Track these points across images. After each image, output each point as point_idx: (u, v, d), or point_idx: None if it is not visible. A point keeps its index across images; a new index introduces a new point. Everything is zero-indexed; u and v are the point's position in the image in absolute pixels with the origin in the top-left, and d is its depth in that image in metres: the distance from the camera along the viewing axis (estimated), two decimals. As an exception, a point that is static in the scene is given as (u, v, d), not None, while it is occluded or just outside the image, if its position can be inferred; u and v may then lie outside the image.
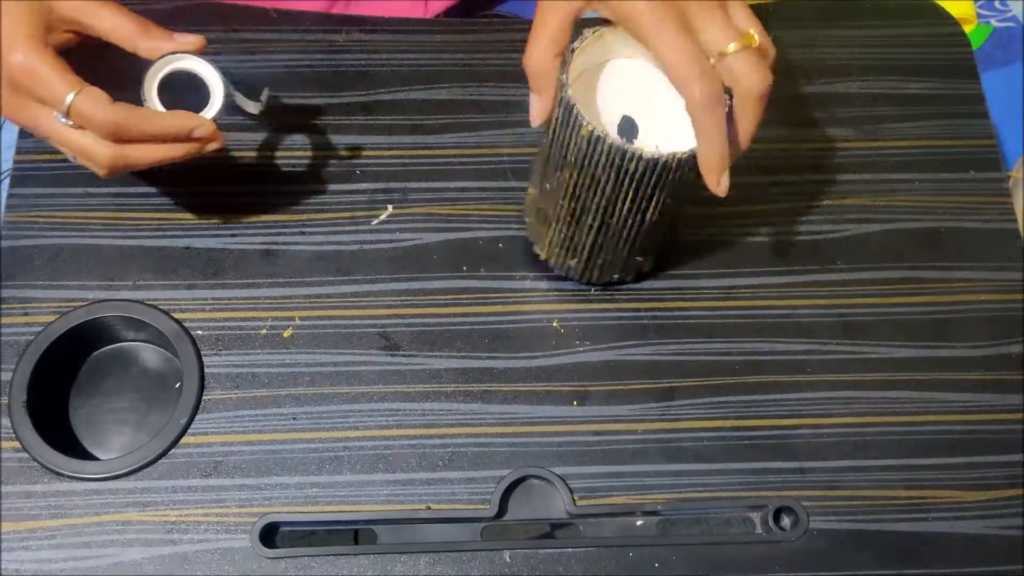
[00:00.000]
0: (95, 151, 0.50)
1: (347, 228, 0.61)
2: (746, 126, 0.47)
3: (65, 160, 0.61)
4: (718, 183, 0.47)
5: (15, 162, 0.62)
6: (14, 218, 0.60)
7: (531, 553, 0.53)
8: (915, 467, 0.56)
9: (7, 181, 0.61)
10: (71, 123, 0.49)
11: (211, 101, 0.53)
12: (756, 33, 0.46)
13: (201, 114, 0.52)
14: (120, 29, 0.51)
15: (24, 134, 0.62)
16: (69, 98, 0.48)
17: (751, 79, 0.45)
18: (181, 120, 0.51)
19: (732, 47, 0.44)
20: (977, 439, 0.57)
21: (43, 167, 0.61)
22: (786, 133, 0.65)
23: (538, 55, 0.48)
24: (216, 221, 0.60)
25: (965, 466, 0.56)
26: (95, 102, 0.49)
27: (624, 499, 0.54)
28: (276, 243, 0.60)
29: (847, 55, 0.68)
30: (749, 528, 0.55)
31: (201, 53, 0.52)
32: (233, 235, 0.60)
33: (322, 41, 0.65)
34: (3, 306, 0.57)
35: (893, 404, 0.57)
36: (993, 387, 0.58)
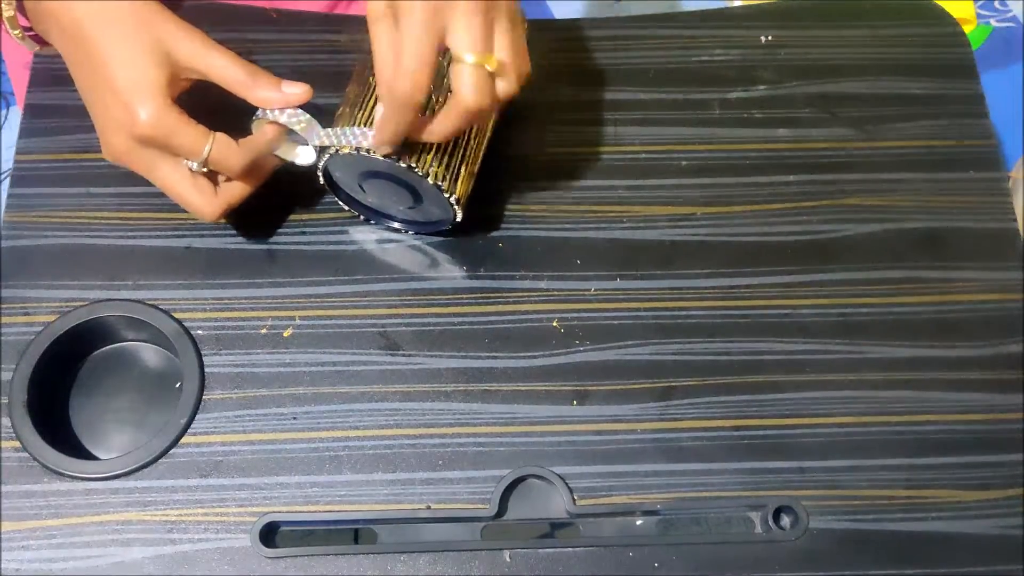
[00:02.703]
0: (205, 211, 0.54)
1: (347, 228, 0.61)
2: (442, 126, 0.49)
3: (65, 160, 0.61)
4: (380, 145, 0.50)
5: (15, 162, 0.62)
6: (14, 218, 0.60)
7: (531, 553, 0.53)
8: (915, 467, 0.56)
9: (7, 181, 0.62)
10: (204, 170, 0.53)
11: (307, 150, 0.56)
12: (505, 57, 0.47)
13: (305, 152, 0.56)
14: (231, 75, 0.52)
15: (24, 134, 0.62)
16: (207, 150, 0.51)
17: (467, 94, 0.47)
18: (270, 162, 0.56)
19: (468, 58, 0.46)
20: (977, 439, 0.57)
21: (43, 167, 0.61)
22: (786, 133, 0.65)
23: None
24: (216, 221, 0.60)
25: (965, 466, 0.56)
26: (229, 148, 0.52)
27: (624, 499, 0.54)
28: (276, 243, 0.60)
29: (847, 55, 0.68)
30: (749, 528, 0.55)
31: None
32: (233, 235, 0.60)
33: (323, 41, 0.66)
34: (3, 306, 0.57)
35: (893, 404, 0.57)
36: (993, 387, 0.58)
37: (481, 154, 0.57)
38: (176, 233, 0.60)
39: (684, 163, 0.64)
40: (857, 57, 0.68)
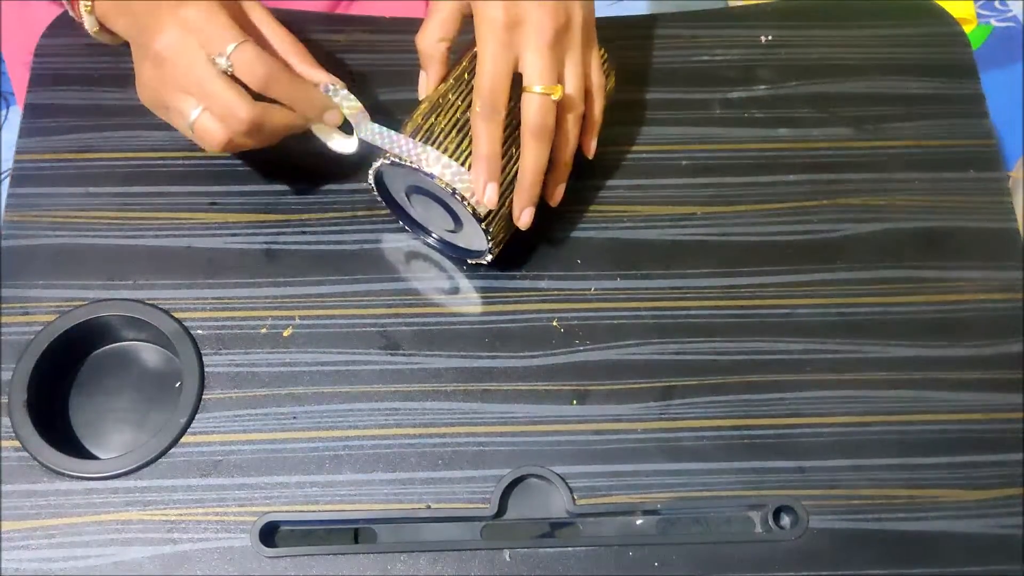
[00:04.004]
0: (239, 105, 0.52)
1: (347, 228, 0.61)
2: (525, 159, 0.53)
3: (65, 160, 0.61)
4: (483, 191, 0.52)
5: (15, 162, 0.62)
6: (14, 218, 0.60)
7: (531, 553, 0.53)
8: (915, 467, 0.56)
9: (7, 181, 0.62)
10: (230, 68, 0.52)
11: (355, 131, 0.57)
12: (572, 88, 0.53)
13: (346, 141, 0.57)
14: (278, 34, 0.56)
15: (24, 134, 0.62)
16: (233, 45, 0.51)
17: (530, 120, 0.52)
18: (321, 98, 0.56)
19: (537, 88, 0.51)
20: (977, 439, 0.56)
21: (43, 167, 0.61)
22: (786, 133, 0.65)
23: (428, 38, 0.55)
24: (216, 221, 0.60)
25: (965, 466, 0.56)
26: (258, 50, 0.52)
27: (624, 498, 0.54)
28: (276, 243, 0.60)
29: (847, 55, 0.68)
30: (749, 527, 0.55)
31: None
32: (233, 235, 0.60)
33: (324, 41, 0.65)
34: (3, 306, 0.57)
35: (893, 404, 0.57)
36: (993, 387, 0.58)
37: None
38: (176, 233, 0.60)
39: (684, 163, 0.64)
40: (857, 57, 0.68)
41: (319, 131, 0.57)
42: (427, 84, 0.57)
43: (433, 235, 0.59)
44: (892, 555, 0.53)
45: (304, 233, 0.60)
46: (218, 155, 0.62)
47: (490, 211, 0.54)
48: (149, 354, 0.58)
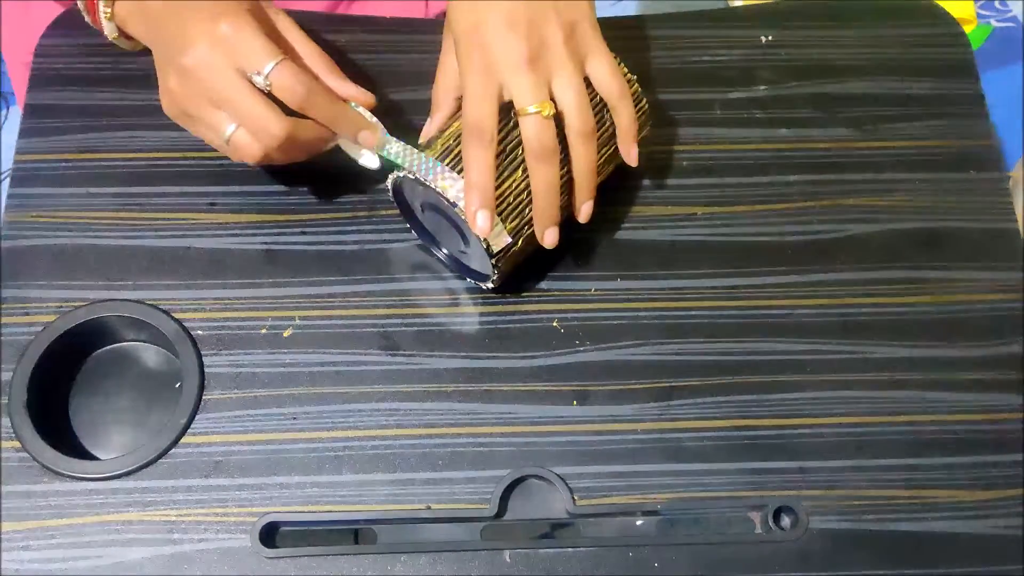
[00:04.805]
0: (273, 121, 0.52)
1: (347, 228, 0.61)
2: (534, 181, 0.53)
3: (65, 160, 0.61)
4: (474, 219, 0.51)
5: (15, 162, 0.62)
6: (14, 218, 0.60)
7: (531, 553, 0.53)
8: (915, 467, 0.56)
9: (7, 181, 0.62)
10: (268, 86, 0.51)
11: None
12: (569, 102, 0.52)
13: (372, 157, 0.57)
14: (307, 46, 0.56)
15: (24, 134, 0.62)
16: (271, 64, 0.51)
17: (528, 142, 0.51)
18: (357, 118, 0.56)
19: (529, 109, 0.51)
20: (977, 439, 0.57)
21: (43, 167, 0.61)
22: (786, 133, 0.65)
23: (439, 89, 0.57)
24: (216, 221, 0.60)
25: (965, 466, 0.56)
26: (295, 69, 0.52)
27: (624, 499, 0.54)
28: (276, 243, 0.60)
29: (847, 55, 0.68)
30: (749, 528, 0.55)
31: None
32: (233, 235, 0.60)
33: (324, 41, 0.65)
34: (3, 306, 0.57)
35: (893, 404, 0.57)
36: (993, 387, 0.58)
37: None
38: (176, 233, 0.60)
39: (684, 163, 0.64)
40: (857, 57, 0.68)
41: (346, 146, 0.58)
42: (431, 127, 0.57)
43: (444, 250, 0.59)
44: (892, 555, 0.54)
45: (304, 233, 0.60)
46: (218, 155, 0.61)
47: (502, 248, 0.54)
48: (149, 355, 0.58)
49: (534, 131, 0.51)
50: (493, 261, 0.54)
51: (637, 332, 0.58)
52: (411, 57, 0.66)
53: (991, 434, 0.57)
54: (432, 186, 0.52)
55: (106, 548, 0.52)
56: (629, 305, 0.59)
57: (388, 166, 0.56)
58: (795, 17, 0.69)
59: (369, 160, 0.57)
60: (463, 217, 0.52)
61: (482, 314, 0.59)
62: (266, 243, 0.60)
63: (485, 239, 0.52)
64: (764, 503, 0.54)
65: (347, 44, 0.66)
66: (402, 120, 0.63)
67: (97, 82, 0.64)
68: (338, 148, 0.58)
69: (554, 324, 0.58)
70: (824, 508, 0.54)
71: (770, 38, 0.68)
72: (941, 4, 0.70)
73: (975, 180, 0.64)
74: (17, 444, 0.54)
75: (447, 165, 0.53)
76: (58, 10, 0.66)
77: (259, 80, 0.51)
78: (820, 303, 0.60)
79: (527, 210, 0.54)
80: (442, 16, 0.72)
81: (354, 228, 0.61)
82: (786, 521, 0.55)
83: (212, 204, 0.61)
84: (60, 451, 0.53)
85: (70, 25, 0.65)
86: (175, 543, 0.52)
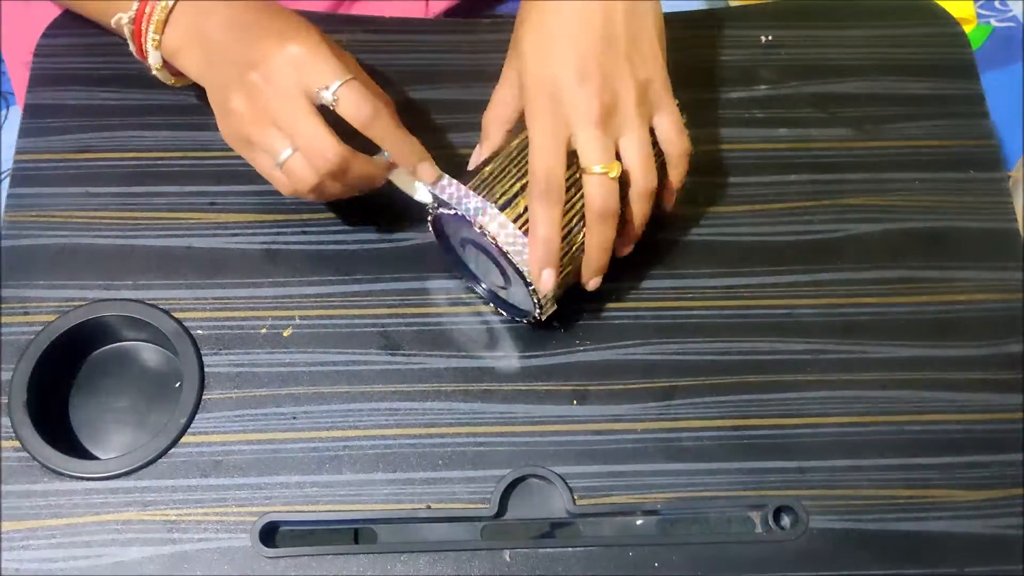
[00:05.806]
0: (327, 144, 0.51)
1: (347, 228, 0.61)
2: (589, 238, 0.53)
3: (65, 160, 0.61)
4: (539, 276, 0.51)
5: (15, 162, 0.62)
6: (14, 218, 0.60)
7: (531, 553, 0.53)
8: (915, 467, 0.56)
9: (7, 181, 0.62)
10: (335, 102, 0.51)
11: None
12: (635, 163, 0.52)
13: (424, 191, 0.55)
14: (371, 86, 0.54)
15: (24, 134, 0.62)
16: (340, 81, 0.51)
17: (592, 200, 0.51)
18: (419, 147, 0.54)
19: (595, 168, 0.51)
20: (977, 439, 0.57)
21: (43, 167, 0.61)
22: (786, 133, 0.65)
23: (490, 119, 0.56)
24: (216, 221, 0.60)
25: (965, 466, 0.56)
26: (363, 89, 0.51)
27: (624, 499, 0.54)
28: (276, 243, 0.60)
29: (847, 55, 0.68)
30: (749, 528, 0.55)
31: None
32: (233, 235, 0.60)
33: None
34: (3, 306, 0.57)
35: (893, 404, 0.57)
36: (993, 387, 0.58)
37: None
38: (176, 233, 0.60)
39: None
40: (857, 57, 0.68)
41: (399, 180, 0.56)
42: (479, 155, 0.57)
43: (483, 285, 0.59)
44: (892, 555, 0.53)
45: (304, 233, 0.60)
46: (218, 155, 0.62)
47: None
48: (149, 354, 0.58)
49: (599, 192, 0.51)
50: (539, 308, 0.54)
51: (637, 332, 0.58)
52: (411, 57, 0.66)
53: (991, 434, 0.57)
54: (486, 232, 0.51)
55: (106, 548, 0.52)
56: (629, 305, 0.59)
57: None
58: (795, 17, 0.69)
59: (424, 195, 0.56)
60: (511, 261, 0.51)
61: (482, 314, 0.59)
62: (266, 243, 0.60)
63: (534, 288, 0.52)
64: (764, 503, 0.54)
65: (348, 44, 0.66)
66: (402, 121, 0.63)
67: (97, 82, 0.64)
68: (388, 181, 0.57)
69: (554, 324, 0.58)
70: (824, 508, 0.54)
71: (770, 38, 0.68)
72: (941, 4, 0.70)
73: (975, 180, 0.64)
74: (17, 444, 0.54)
75: (498, 205, 0.52)
76: (58, 10, 0.66)
77: (326, 95, 0.51)
78: (820, 303, 0.60)
79: (575, 251, 0.53)
80: (442, 16, 0.72)
81: (354, 228, 0.61)
82: (786, 521, 0.55)
83: (212, 203, 0.61)
84: (60, 451, 0.54)
85: (70, 25, 0.65)
86: (175, 543, 0.52)
